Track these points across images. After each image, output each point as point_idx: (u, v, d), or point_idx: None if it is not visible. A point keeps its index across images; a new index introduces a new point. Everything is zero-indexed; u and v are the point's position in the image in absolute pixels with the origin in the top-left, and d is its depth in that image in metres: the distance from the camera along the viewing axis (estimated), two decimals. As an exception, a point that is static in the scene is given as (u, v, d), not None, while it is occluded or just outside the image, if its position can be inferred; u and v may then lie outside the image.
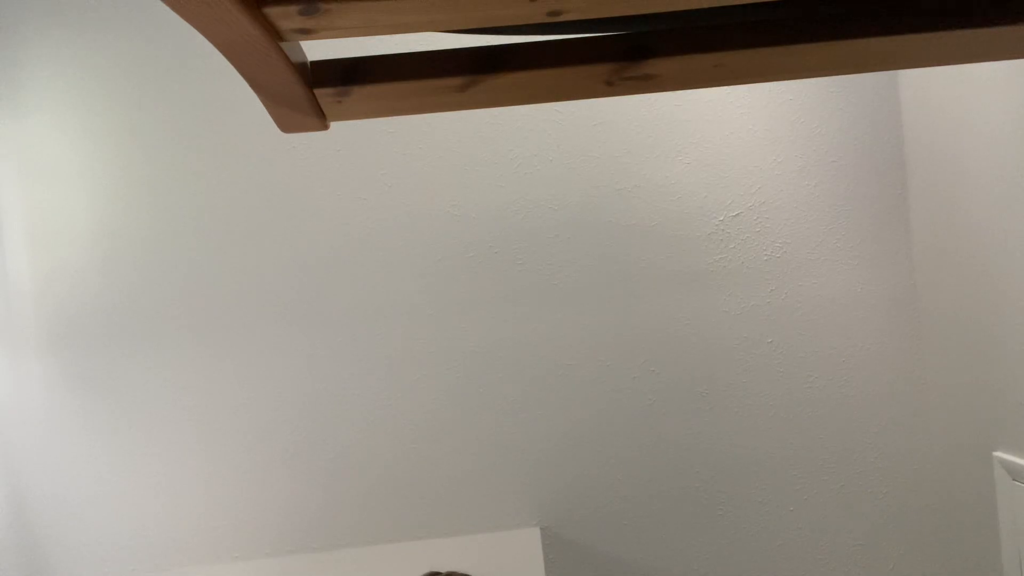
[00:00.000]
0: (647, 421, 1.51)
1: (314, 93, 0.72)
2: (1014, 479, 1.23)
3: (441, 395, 1.50)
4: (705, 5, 0.60)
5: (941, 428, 1.47)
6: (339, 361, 1.50)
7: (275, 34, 0.60)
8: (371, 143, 1.51)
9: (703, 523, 1.50)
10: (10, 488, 1.47)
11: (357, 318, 1.50)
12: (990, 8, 0.68)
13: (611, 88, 0.72)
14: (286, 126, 0.78)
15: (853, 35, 0.68)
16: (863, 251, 1.51)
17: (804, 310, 1.51)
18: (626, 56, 0.70)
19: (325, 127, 0.78)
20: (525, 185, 1.51)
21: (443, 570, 1.36)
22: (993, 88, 1.20)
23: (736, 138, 1.52)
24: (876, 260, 1.51)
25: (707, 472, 1.51)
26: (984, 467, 1.32)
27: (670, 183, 1.52)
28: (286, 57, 0.64)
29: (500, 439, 1.50)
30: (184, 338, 1.49)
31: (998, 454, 1.27)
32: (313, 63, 0.73)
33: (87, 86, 1.51)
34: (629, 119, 1.52)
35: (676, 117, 1.52)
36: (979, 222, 1.27)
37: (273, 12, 0.57)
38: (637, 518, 1.50)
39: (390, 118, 1.41)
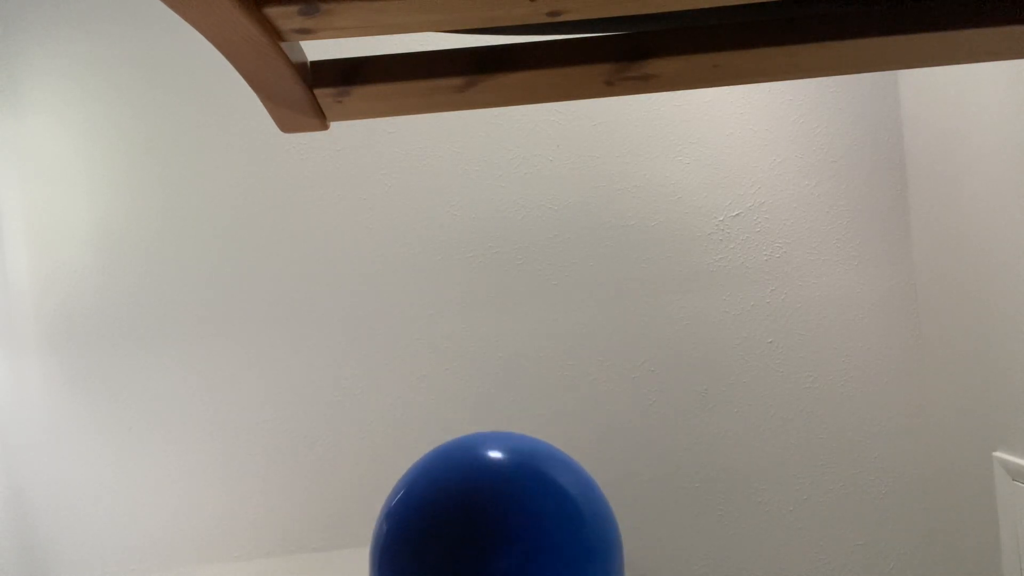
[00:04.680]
0: (647, 421, 1.51)
1: (314, 93, 0.72)
2: (1014, 479, 1.23)
3: (441, 395, 1.50)
4: (705, 5, 0.60)
5: (941, 428, 1.47)
6: (339, 361, 1.50)
7: (275, 34, 0.60)
8: (371, 143, 1.51)
9: (703, 523, 1.50)
10: (9, 488, 1.47)
11: (356, 318, 1.50)
12: (990, 8, 0.68)
13: (611, 88, 0.72)
14: (286, 126, 0.78)
15: (853, 35, 0.68)
16: (863, 251, 1.51)
17: (804, 310, 1.51)
18: (626, 56, 0.70)
19: (325, 127, 0.78)
20: (525, 185, 1.51)
21: None
22: (993, 88, 1.20)
23: (736, 138, 1.52)
24: (876, 260, 1.51)
25: (707, 472, 1.51)
26: (984, 467, 1.32)
27: (670, 183, 1.52)
28: (286, 57, 0.64)
29: (500, 439, 1.50)
30: (184, 339, 1.49)
31: (998, 454, 1.27)
32: (313, 63, 0.73)
33: (87, 85, 1.51)
34: (629, 119, 1.52)
35: (676, 117, 1.52)
36: (979, 222, 1.27)
37: (273, 12, 0.57)
38: (636, 518, 1.50)
39: (390, 118, 1.41)
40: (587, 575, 0.85)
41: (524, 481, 0.88)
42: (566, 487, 0.89)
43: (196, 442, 1.49)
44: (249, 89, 0.70)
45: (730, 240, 1.52)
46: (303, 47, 0.70)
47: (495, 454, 0.91)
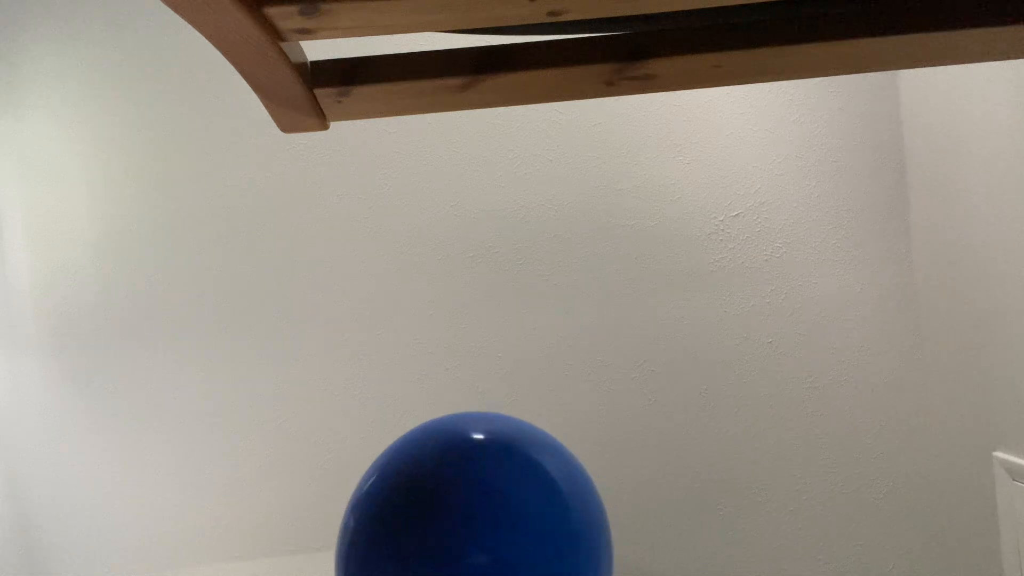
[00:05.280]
0: (647, 421, 1.50)
1: (314, 93, 0.72)
2: (1014, 479, 1.23)
3: (440, 395, 1.50)
4: (705, 5, 0.60)
5: (941, 428, 1.47)
6: (338, 360, 1.50)
7: (275, 34, 0.60)
8: (371, 143, 1.51)
9: (703, 523, 1.50)
10: (9, 488, 1.47)
11: (357, 318, 1.50)
12: (990, 8, 0.68)
13: (611, 88, 0.72)
14: (286, 126, 0.78)
15: (853, 35, 0.68)
16: (863, 251, 1.51)
17: (804, 310, 1.51)
18: (626, 56, 0.70)
19: (325, 127, 0.78)
20: (525, 185, 1.51)
21: None
22: (993, 88, 1.20)
23: (736, 138, 1.52)
24: (876, 260, 1.51)
25: (707, 472, 1.51)
26: (984, 467, 1.32)
27: (670, 183, 1.52)
28: (286, 57, 0.64)
29: (500, 439, 1.50)
30: (183, 338, 1.49)
31: (998, 454, 1.27)
32: (313, 63, 0.73)
33: (87, 85, 1.51)
34: (629, 119, 1.52)
35: (676, 117, 1.52)
36: (979, 222, 1.27)
37: (273, 12, 0.57)
38: (636, 518, 1.50)
39: (390, 118, 1.41)
40: (573, 560, 0.79)
41: (503, 465, 0.80)
42: (548, 469, 0.82)
43: (196, 442, 1.49)
44: (249, 89, 0.70)
45: (730, 240, 1.52)
46: (303, 47, 0.70)
47: (471, 437, 0.84)
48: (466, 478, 0.79)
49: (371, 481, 0.84)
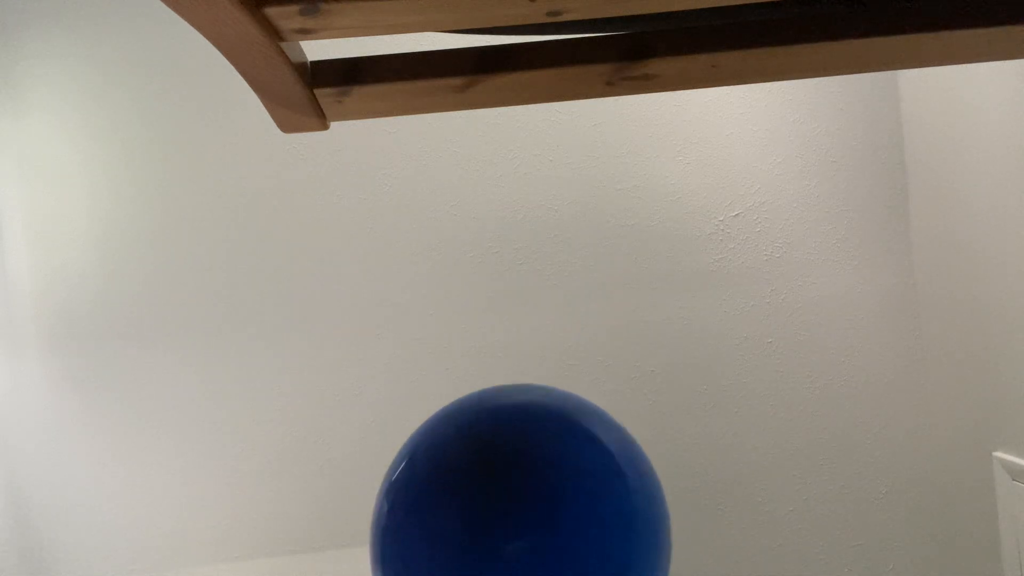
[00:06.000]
0: (647, 421, 1.50)
1: (314, 93, 0.72)
2: (1014, 479, 1.23)
3: (440, 395, 1.50)
4: (705, 5, 0.60)
5: (941, 428, 1.47)
6: (338, 361, 1.50)
7: (275, 34, 0.60)
8: (371, 143, 1.51)
9: (703, 523, 1.50)
10: (10, 488, 1.47)
11: (357, 318, 1.50)
12: (990, 8, 0.68)
13: (611, 88, 0.72)
14: (286, 126, 0.78)
15: (853, 35, 0.68)
16: (863, 251, 1.51)
17: (804, 310, 1.51)
18: (626, 56, 0.70)
19: (325, 127, 0.78)
20: (525, 185, 1.51)
21: None
22: (993, 88, 1.20)
23: (736, 138, 1.52)
24: (876, 260, 1.51)
25: (707, 472, 1.51)
26: (984, 467, 1.32)
27: (670, 183, 1.52)
28: (286, 57, 0.64)
29: (500, 439, 1.50)
30: (184, 339, 1.49)
31: (998, 454, 1.27)
32: (313, 63, 0.73)
33: (87, 85, 1.51)
34: (629, 119, 1.52)
35: (676, 117, 1.52)
36: (979, 222, 1.27)
37: (273, 12, 0.57)
38: (637, 518, 1.50)
39: (390, 118, 1.41)
40: (635, 547, 0.69)
41: (556, 437, 0.70)
42: (607, 444, 0.71)
43: (197, 442, 1.49)
44: (248, 89, 0.71)
45: (730, 240, 1.52)
46: (303, 47, 0.70)
47: (515, 407, 0.74)
48: (511, 452, 0.70)
49: (403, 464, 0.75)
